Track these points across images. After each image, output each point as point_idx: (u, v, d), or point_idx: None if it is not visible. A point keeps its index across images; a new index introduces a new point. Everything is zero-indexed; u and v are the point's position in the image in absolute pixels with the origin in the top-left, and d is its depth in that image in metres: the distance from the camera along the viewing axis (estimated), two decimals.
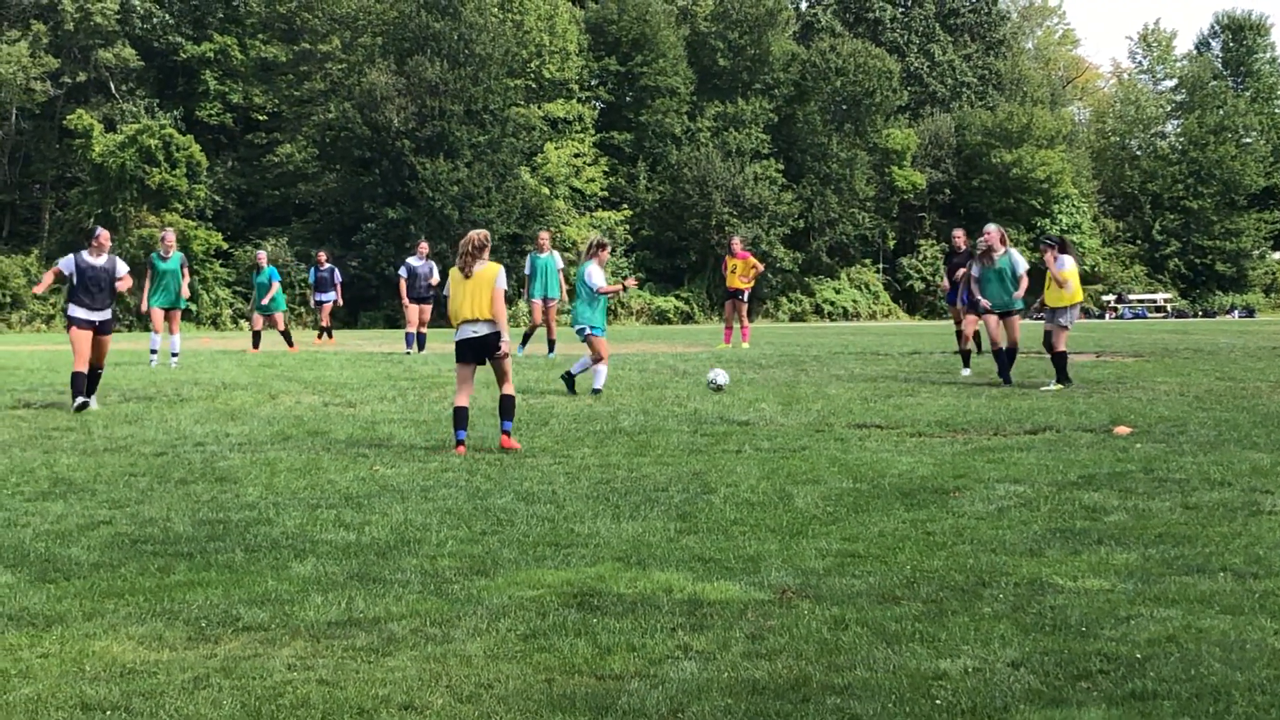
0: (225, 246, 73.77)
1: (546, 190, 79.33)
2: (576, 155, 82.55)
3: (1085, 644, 7.00)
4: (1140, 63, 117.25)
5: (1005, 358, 22.10)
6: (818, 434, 15.45)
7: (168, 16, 78.46)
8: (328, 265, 40.00)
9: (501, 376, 14.73)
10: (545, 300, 29.58)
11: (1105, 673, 6.55)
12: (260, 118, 79.35)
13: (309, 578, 8.51)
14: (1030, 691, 6.28)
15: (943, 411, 17.71)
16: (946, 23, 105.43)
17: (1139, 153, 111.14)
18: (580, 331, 20.40)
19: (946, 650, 6.89)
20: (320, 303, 39.95)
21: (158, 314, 27.59)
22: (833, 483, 11.98)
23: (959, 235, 28.79)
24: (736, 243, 35.33)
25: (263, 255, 36.62)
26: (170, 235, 28.14)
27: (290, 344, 35.00)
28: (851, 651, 6.89)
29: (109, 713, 6.03)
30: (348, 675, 6.54)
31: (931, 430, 15.76)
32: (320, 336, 40.41)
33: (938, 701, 6.15)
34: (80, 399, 18.30)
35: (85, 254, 19.88)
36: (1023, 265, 22.17)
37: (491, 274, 14.64)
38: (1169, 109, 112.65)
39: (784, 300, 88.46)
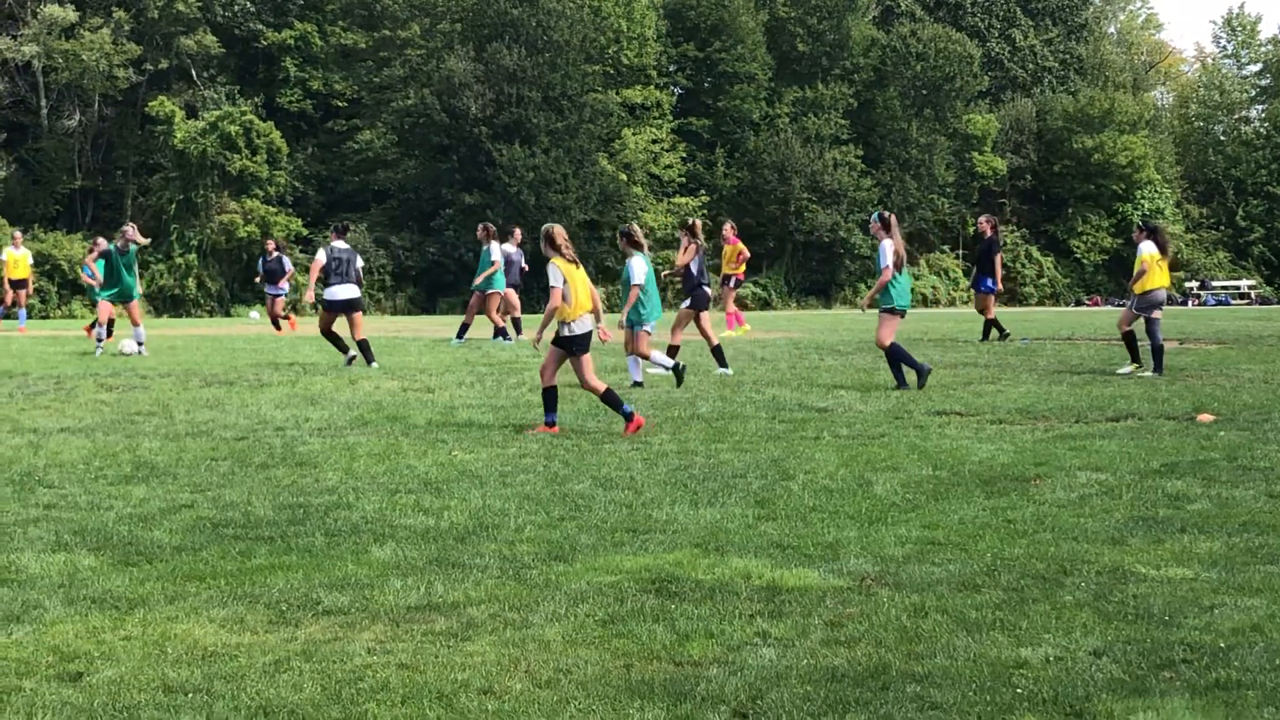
0: (305, 233, 74.15)
1: (624, 177, 79.28)
2: (654, 141, 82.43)
3: (1168, 633, 6.93)
4: (1224, 47, 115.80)
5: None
6: (897, 421, 15.37)
7: (249, 4, 78.94)
8: (275, 254, 37.93)
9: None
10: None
11: (1188, 662, 6.48)
12: (340, 104, 79.73)
13: (388, 562, 8.54)
14: (1112, 681, 6.22)
15: (1023, 398, 17.59)
16: (1028, 6, 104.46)
17: (1223, 138, 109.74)
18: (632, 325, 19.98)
19: (1027, 639, 6.84)
20: (273, 296, 37.97)
21: (108, 306, 27.84)
22: (912, 470, 11.92)
23: (985, 222, 29.06)
24: (728, 229, 35.49)
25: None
26: (132, 230, 28.45)
27: (278, 327, 36.59)
28: (931, 639, 6.85)
29: (191, 695, 6.07)
30: (427, 659, 6.56)
31: (1012, 417, 15.65)
32: (279, 329, 37.63)
33: (1018, 690, 6.10)
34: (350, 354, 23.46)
35: (335, 242, 24.04)
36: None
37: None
38: (1253, 94, 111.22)
39: (862, 287, 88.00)
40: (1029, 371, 21.71)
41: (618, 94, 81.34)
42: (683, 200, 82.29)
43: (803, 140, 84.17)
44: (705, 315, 22.03)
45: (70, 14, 73.94)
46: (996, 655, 6.58)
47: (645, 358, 19.89)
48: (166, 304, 71.62)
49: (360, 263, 24.56)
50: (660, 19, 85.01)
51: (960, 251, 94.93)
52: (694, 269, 22.10)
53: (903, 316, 19.52)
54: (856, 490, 10.94)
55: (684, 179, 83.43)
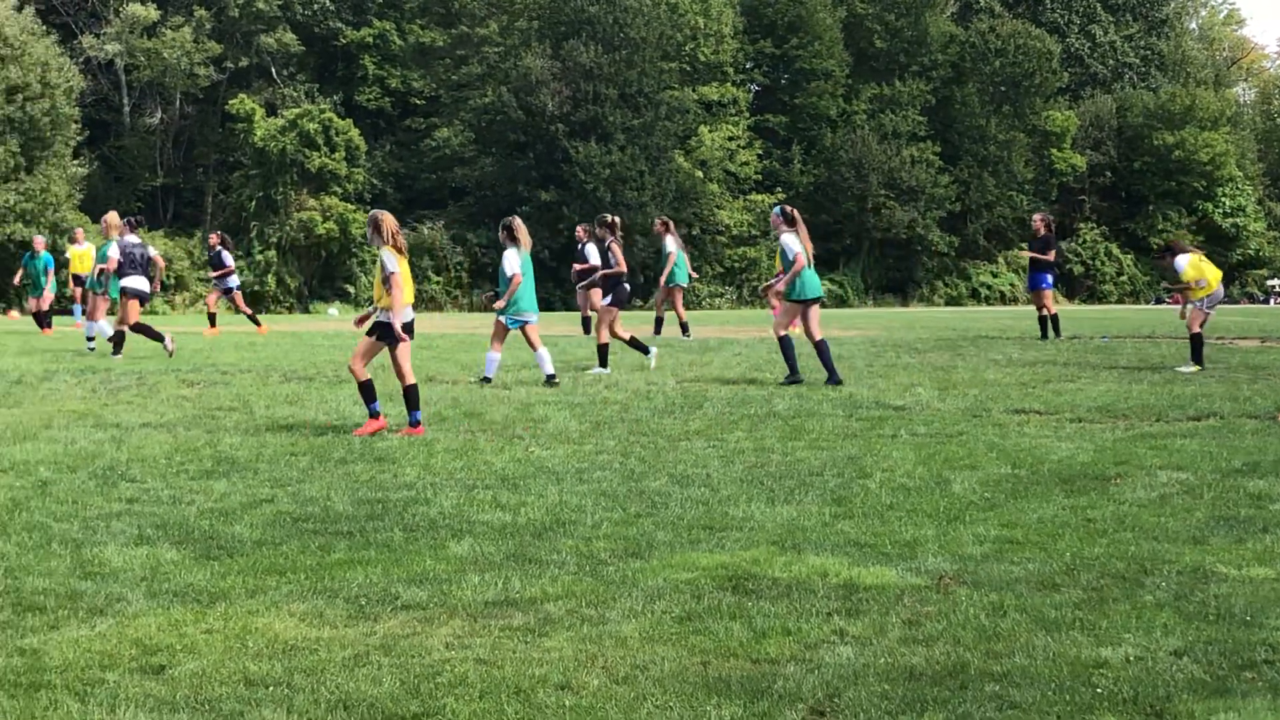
0: None
1: (700, 174, 79.27)
2: (730, 138, 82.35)
3: (1250, 633, 6.87)
4: None
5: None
6: (975, 419, 15.30)
7: (328, 2, 79.42)
8: (218, 247, 35.69)
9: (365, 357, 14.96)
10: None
11: (1271, 663, 6.43)
12: (418, 102, 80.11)
13: (466, 558, 8.58)
14: (1193, 681, 6.17)
15: (1103, 397, 17.46)
16: (1108, 2, 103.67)
17: None
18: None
19: (1107, 638, 6.80)
20: (229, 290, 35.75)
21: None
22: (990, 468, 11.86)
23: (1039, 220, 29.07)
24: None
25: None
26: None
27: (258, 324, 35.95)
28: (1010, 639, 6.82)
29: (271, 688, 6.12)
30: (505, 655, 6.58)
31: (1092, 416, 15.54)
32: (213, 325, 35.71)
33: (1098, 690, 6.06)
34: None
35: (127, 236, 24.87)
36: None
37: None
38: None
39: (939, 284, 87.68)
40: (1109, 370, 21.56)
41: (694, 91, 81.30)
42: (758, 197, 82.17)
43: (880, 137, 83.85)
44: (615, 312, 22.40)
45: (152, 12, 74.61)
46: (1076, 655, 6.54)
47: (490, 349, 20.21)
48: (246, 300, 72.04)
49: (153, 252, 26.32)
50: (737, 15, 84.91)
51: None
52: (612, 264, 22.98)
53: (811, 306, 19.68)
54: (934, 488, 10.90)
55: (760, 176, 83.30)
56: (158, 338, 24.92)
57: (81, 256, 39.04)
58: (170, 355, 24.34)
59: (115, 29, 75.34)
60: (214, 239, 36.70)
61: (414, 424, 14.49)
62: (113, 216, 27.55)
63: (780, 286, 19.81)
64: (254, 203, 72.28)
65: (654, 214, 70.71)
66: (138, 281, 25.38)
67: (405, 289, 14.59)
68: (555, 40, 76.09)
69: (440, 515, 9.90)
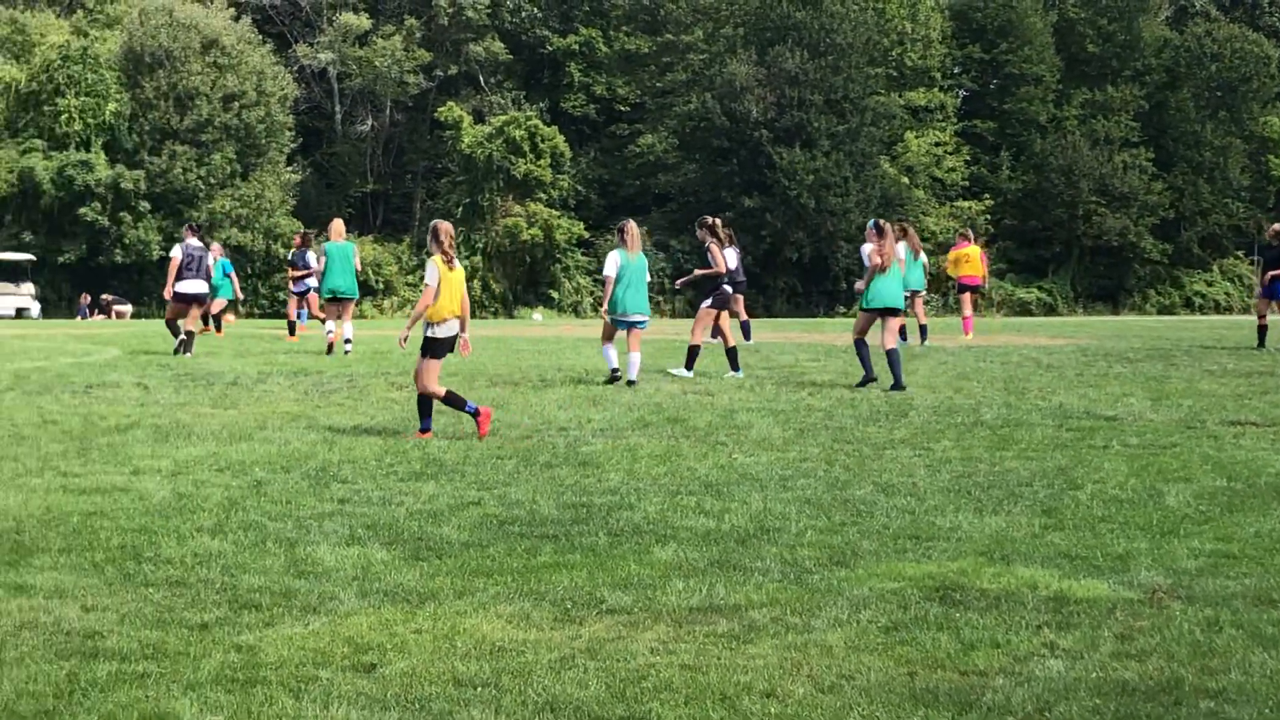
0: (587, 235, 75.13)
1: (906, 180, 78.74)
2: (937, 144, 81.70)
3: None
4: None
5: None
6: (1189, 430, 14.96)
7: (536, 10, 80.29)
8: (300, 247, 34.68)
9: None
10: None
11: None
12: (623, 108, 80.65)
13: (670, 563, 8.59)
14: None
15: None
16: None
17: None
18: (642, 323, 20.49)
19: None
20: (304, 291, 34.17)
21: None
22: (1205, 481, 11.59)
23: (1271, 231, 28.28)
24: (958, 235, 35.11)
25: (217, 248, 36.66)
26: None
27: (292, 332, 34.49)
28: (1226, 654, 6.65)
29: (479, 689, 6.18)
30: (710, 661, 6.58)
31: None
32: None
33: None
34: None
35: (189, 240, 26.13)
36: None
37: (462, 272, 14.92)
38: None
39: (1151, 292, 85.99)
40: None
41: (900, 96, 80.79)
42: (965, 204, 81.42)
43: (1091, 143, 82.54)
44: (725, 315, 22.65)
45: (364, 21, 76.06)
46: None
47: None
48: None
49: (210, 259, 27.13)
50: (945, 20, 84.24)
51: (1254, 258, 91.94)
52: (711, 265, 22.52)
53: (887, 316, 20.02)
54: (1147, 501, 10.68)
55: (967, 182, 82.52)
56: (183, 347, 26.07)
57: None
58: (183, 354, 25.70)
59: (328, 38, 76.93)
60: (297, 239, 36.62)
61: (424, 429, 14.51)
62: (338, 224, 28.10)
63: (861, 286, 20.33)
64: (461, 209, 73.32)
65: (858, 220, 70.44)
66: (195, 285, 26.50)
67: (448, 302, 14.57)
68: (760, 46, 76.09)
69: (644, 520, 9.93)
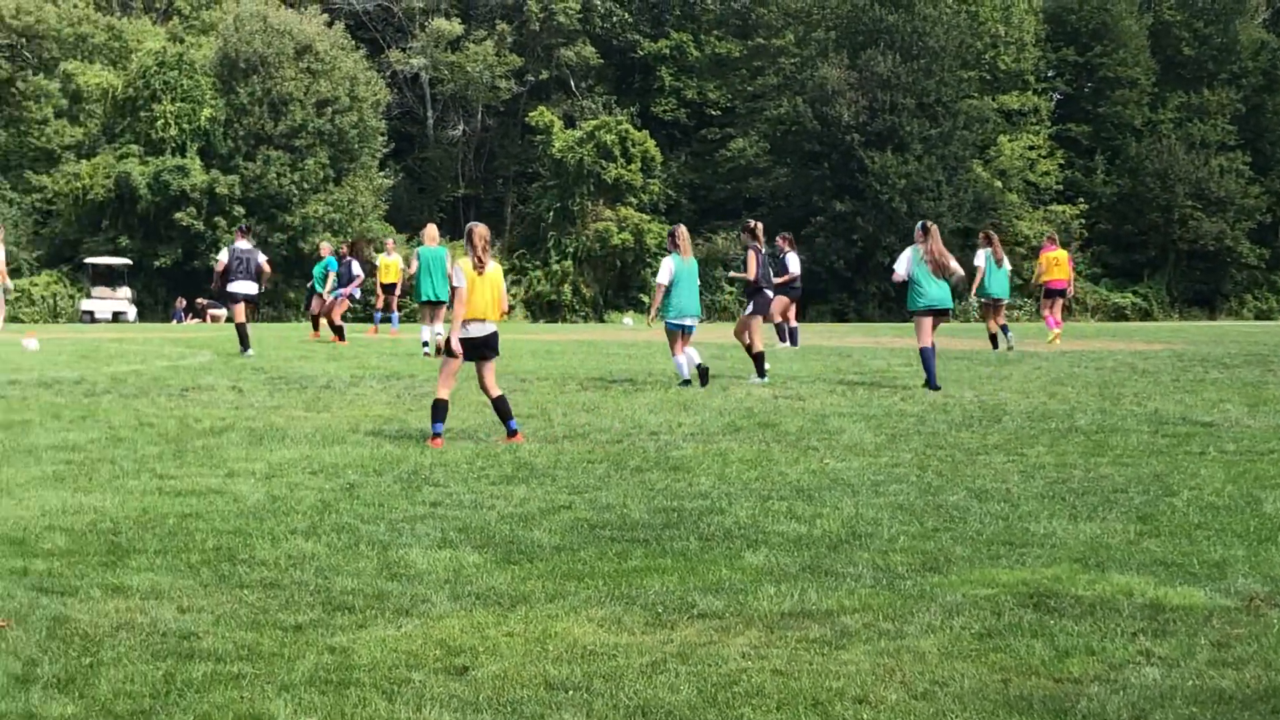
0: None
1: (999, 183, 78.23)
2: (1031, 148, 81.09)
3: None
4: None
5: None
6: None
7: (627, 15, 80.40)
8: (348, 258, 35.80)
9: (488, 375, 14.74)
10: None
11: None
12: (714, 113, 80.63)
13: (762, 568, 8.57)
14: None
15: None
16: None
17: None
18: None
19: None
20: (340, 295, 35.02)
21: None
22: None
23: None
24: (1047, 239, 35.02)
25: (326, 247, 37.27)
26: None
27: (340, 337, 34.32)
28: None
29: (571, 692, 6.19)
30: (801, 666, 6.56)
31: None
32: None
33: None
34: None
35: (238, 242, 27.69)
36: None
37: (499, 274, 14.80)
38: None
39: (1248, 297, 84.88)
40: None
41: (994, 100, 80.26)
42: (1059, 208, 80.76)
43: (1187, 146, 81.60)
44: (758, 321, 22.52)
45: (456, 27, 76.47)
46: None
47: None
48: (543, 309, 73.41)
49: (262, 259, 28.14)
50: (1039, 23, 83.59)
51: None
52: (758, 274, 22.48)
53: (929, 314, 20.42)
54: (1244, 508, 10.55)
55: (1061, 186, 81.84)
56: (244, 345, 27.53)
57: (388, 267, 39.70)
58: (247, 356, 26.73)
59: (420, 43, 77.40)
60: (344, 249, 36.90)
61: (435, 435, 14.39)
62: (431, 229, 28.30)
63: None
64: (551, 213, 73.54)
65: (950, 224, 70.02)
66: (245, 286, 27.61)
67: (473, 305, 14.47)
68: (852, 50, 75.83)
69: (735, 525, 9.92)
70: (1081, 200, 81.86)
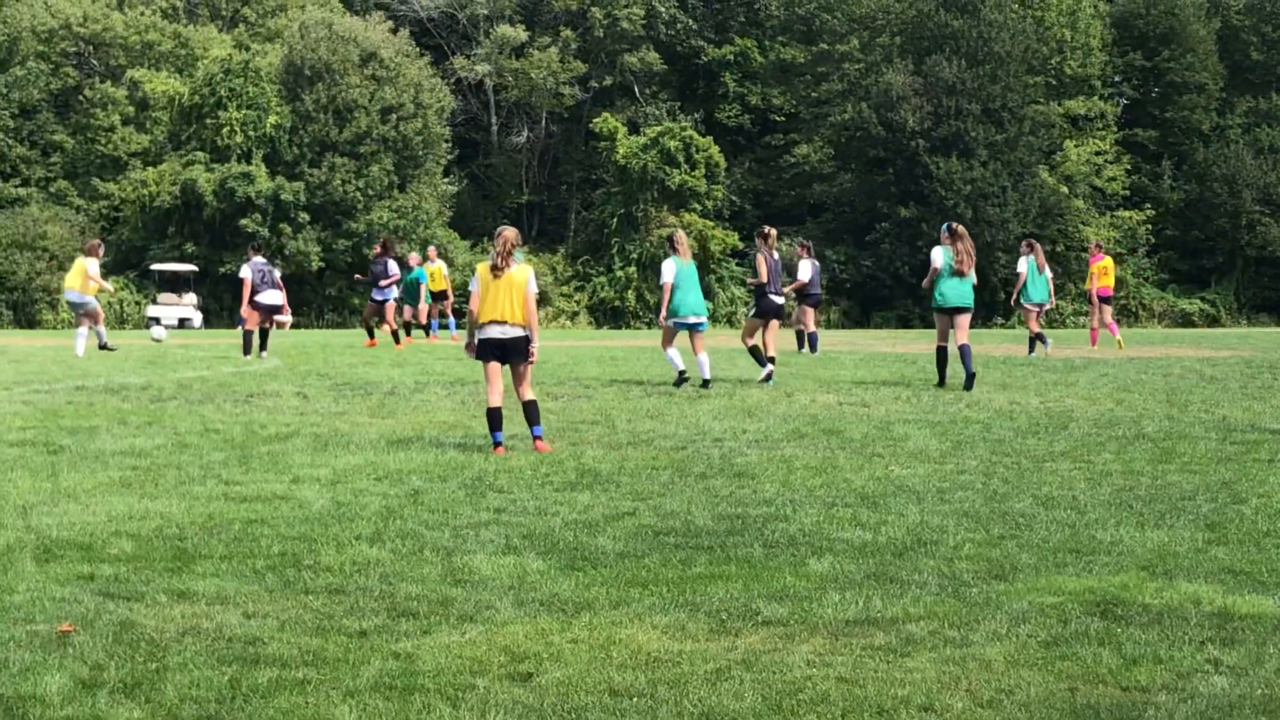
0: (741, 246, 75.12)
1: (1065, 189, 77.80)
2: (1097, 153, 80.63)
3: None
4: None
5: None
6: None
7: (691, 21, 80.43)
8: (384, 257, 35.62)
9: (520, 380, 14.62)
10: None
11: None
12: (778, 119, 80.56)
13: (826, 575, 8.54)
14: None
15: None
16: None
17: None
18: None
19: None
20: (384, 300, 35.19)
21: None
22: None
23: None
24: (1094, 246, 35.79)
25: (415, 258, 38.00)
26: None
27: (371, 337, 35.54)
28: None
29: (635, 699, 6.17)
30: (866, 674, 6.52)
31: None
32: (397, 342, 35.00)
33: None
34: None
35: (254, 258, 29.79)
36: None
37: (524, 276, 14.55)
38: None
39: None
40: None
41: (1060, 105, 79.86)
42: (1126, 214, 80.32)
43: (1255, 152, 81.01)
44: (773, 324, 23.26)
45: (520, 33, 76.66)
46: None
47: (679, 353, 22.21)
48: (607, 316, 73.47)
49: (277, 274, 30.03)
50: (1106, 28, 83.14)
51: None
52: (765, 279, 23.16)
53: (948, 314, 21.47)
54: None
55: (1128, 192, 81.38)
56: (246, 350, 29.57)
57: (433, 275, 40.06)
58: (248, 356, 28.78)
59: (485, 50, 77.64)
60: (377, 249, 37.07)
61: (496, 443, 14.37)
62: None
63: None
64: (615, 219, 73.61)
65: (1016, 231, 69.71)
66: (272, 296, 29.68)
67: (489, 307, 14.44)
68: (917, 56, 75.63)
69: (800, 532, 9.89)
70: (1148, 206, 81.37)
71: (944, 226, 22.00)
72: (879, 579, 8.44)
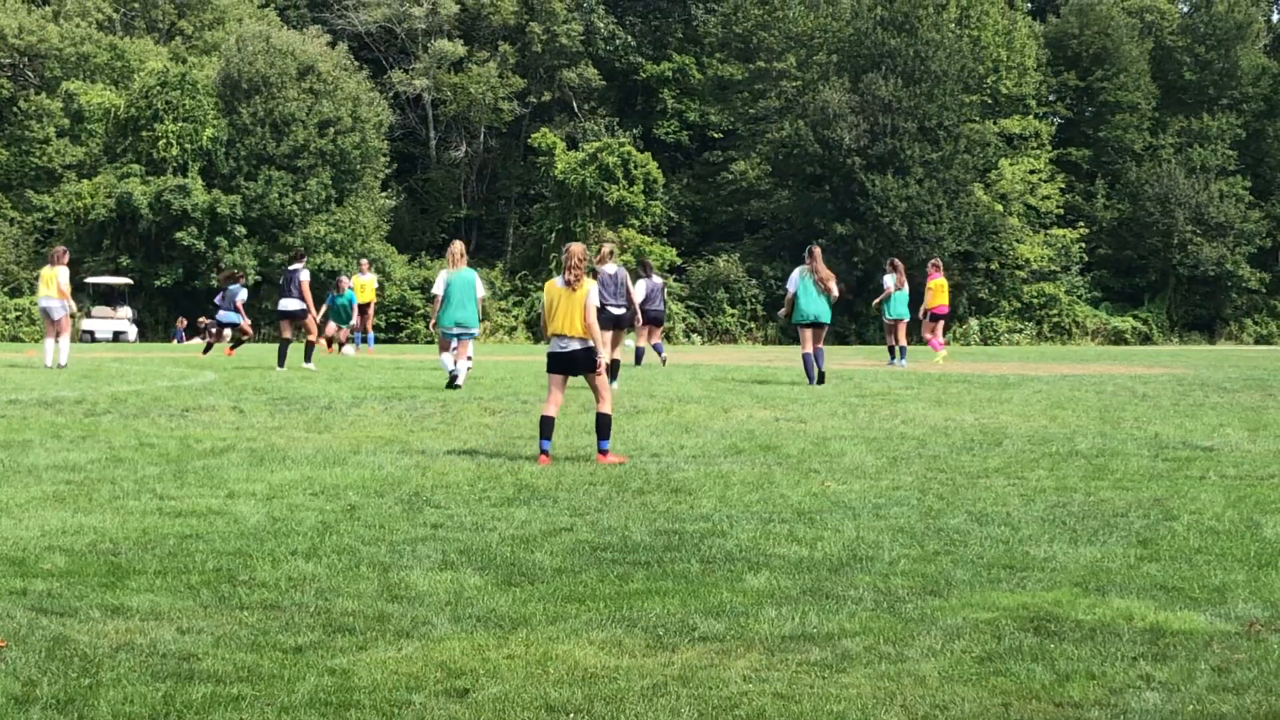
0: (679, 262, 75.26)
1: (1000, 207, 78.31)
2: (1032, 172, 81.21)
3: None
4: None
5: None
6: None
7: (629, 38, 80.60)
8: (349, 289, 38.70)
9: (596, 393, 14.91)
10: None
11: None
12: (715, 135, 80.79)
13: (763, 591, 8.57)
14: None
15: None
16: None
17: None
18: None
19: None
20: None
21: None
22: None
23: None
24: (931, 265, 37.82)
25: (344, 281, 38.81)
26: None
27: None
28: None
29: (572, 715, 6.18)
30: (802, 689, 6.55)
31: None
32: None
33: None
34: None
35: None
36: None
37: (585, 291, 14.81)
38: None
39: (1248, 321, 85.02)
40: None
41: (995, 124, 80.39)
42: (1060, 231, 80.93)
43: (1187, 171, 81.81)
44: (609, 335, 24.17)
45: (459, 48, 76.63)
46: None
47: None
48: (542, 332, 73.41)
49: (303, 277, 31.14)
50: (1041, 48, 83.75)
51: None
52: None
53: (808, 327, 25.21)
54: (1245, 532, 10.55)
55: (1062, 210, 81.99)
56: (282, 362, 30.10)
57: (364, 287, 40.74)
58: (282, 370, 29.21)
59: (423, 64, 77.55)
60: (225, 275, 40.39)
61: (541, 452, 14.60)
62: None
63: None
64: (554, 234, 73.61)
65: (951, 247, 70.12)
66: (285, 303, 30.95)
67: (556, 322, 14.80)
68: (854, 74, 75.98)
69: (737, 548, 9.91)
70: (1082, 224, 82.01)
71: (806, 250, 25.52)
72: (815, 595, 8.47)
